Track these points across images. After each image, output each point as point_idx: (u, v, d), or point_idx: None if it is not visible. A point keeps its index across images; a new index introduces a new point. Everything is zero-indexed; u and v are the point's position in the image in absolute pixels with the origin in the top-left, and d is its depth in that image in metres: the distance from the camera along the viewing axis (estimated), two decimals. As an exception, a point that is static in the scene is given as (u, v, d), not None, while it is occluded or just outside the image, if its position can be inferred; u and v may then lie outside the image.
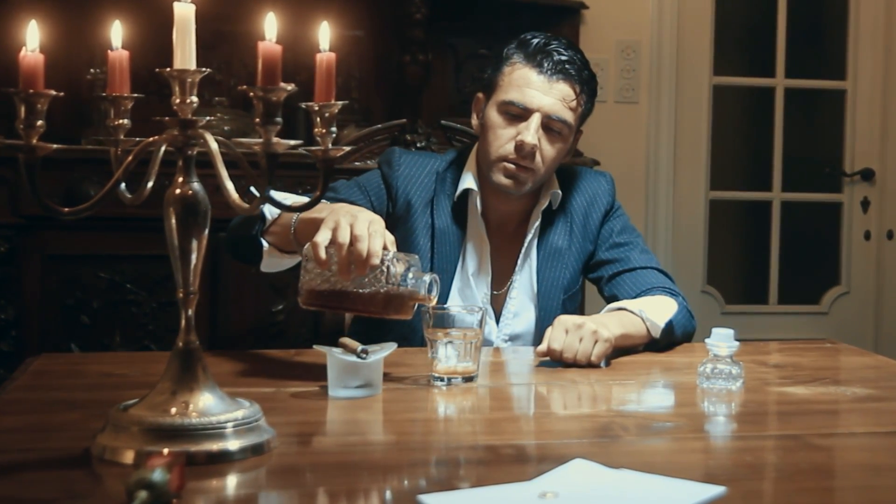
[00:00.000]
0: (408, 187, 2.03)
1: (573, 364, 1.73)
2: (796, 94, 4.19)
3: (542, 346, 1.76)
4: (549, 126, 1.95)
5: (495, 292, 2.06)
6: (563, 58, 1.95)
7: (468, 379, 1.60)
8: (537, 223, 2.05)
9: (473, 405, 1.54)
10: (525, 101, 1.93)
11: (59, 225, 2.87)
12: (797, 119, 4.21)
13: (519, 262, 2.06)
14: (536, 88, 1.93)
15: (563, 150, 1.99)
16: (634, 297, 1.98)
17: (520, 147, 1.93)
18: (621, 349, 1.83)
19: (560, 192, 2.06)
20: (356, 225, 1.52)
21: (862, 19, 4.16)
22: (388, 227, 1.60)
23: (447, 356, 1.59)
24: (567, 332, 1.74)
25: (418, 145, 3.11)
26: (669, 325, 1.91)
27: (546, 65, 1.94)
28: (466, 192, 2.02)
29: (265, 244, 1.77)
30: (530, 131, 1.92)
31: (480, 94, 2.04)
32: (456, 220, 2.03)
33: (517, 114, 1.94)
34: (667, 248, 3.97)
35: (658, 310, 1.91)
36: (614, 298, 2.01)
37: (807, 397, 1.55)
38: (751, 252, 4.31)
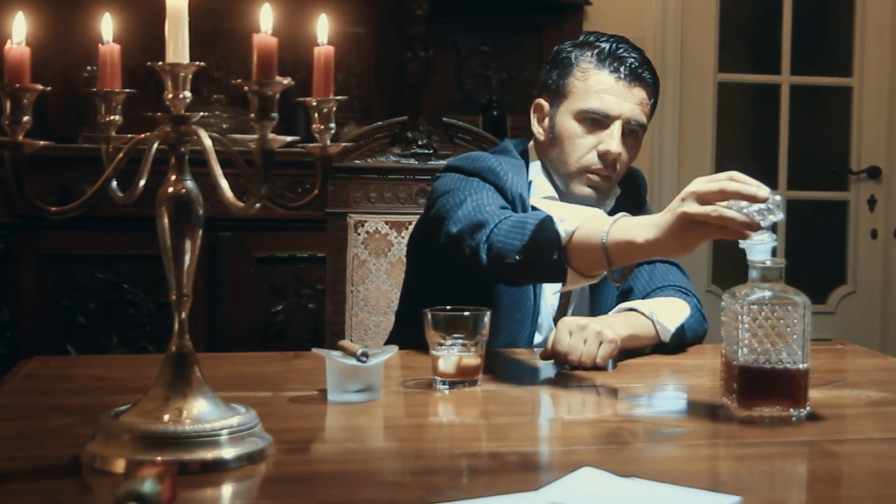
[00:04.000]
0: (516, 192, 1.90)
1: (578, 366, 1.70)
2: (802, 91, 4.16)
3: (546, 349, 1.72)
4: (628, 131, 1.90)
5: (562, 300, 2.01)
6: (637, 62, 1.90)
7: (472, 383, 1.57)
8: None
9: (477, 410, 1.50)
10: (606, 108, 1.88)
11: (55, 224, 2.85)
12: (803, 116, 4.17)
13: None
14: (616, 95, 1.88)
15: (636, 153, 1.95)
16: (647, 293, 1.95)
17: (604, 156, 1.88)
18: (628, 350, 1.79)
19: (620, 190, 1.99)
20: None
21: (868, 15, 4.12)
22: None
23: (450, 359, 1.55)
24: (571, 334, 1.70)
25: (419, 143, 3.07)
26: (680, 330, 1.87)
27: (623, 70, 1.88)
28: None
29: (568, 269, 1.59)
30: (615, 139, 1.88)
31: (543, 101, 1.97)
32: None
33: (597, 121, 1.89)
34: (671, 247, 3.93)
35: (670, 313, 1.86)
36: (628, 290, 1.97)
37: (820, 401, 1.51)
38: (756, 251, 4.27)
